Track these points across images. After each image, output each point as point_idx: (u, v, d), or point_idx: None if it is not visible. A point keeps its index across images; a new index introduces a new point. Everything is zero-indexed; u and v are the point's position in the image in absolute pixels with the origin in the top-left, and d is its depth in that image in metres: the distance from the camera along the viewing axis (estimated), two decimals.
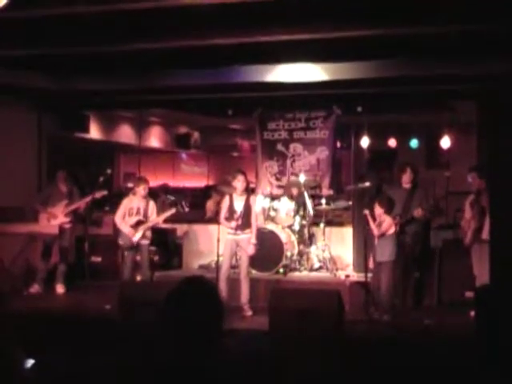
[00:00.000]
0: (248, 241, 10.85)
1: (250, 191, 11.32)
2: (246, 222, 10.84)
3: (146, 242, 11.61)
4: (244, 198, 10.90)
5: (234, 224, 10.75)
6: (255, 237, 10.90)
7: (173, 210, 11.96)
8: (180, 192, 19.77)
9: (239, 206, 10.85)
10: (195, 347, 2.92)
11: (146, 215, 11.56)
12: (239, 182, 10.79)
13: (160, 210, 12.06)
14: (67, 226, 12.33)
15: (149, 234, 11.65)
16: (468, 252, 10.62)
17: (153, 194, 14.69)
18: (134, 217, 11.53)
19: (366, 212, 10.43)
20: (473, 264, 10.53)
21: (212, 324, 2.99)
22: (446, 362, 7.13)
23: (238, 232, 10.84)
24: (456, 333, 9.33)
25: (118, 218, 11.64)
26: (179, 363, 2.89)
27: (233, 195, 10.91)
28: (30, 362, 3.65)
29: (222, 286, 10.50)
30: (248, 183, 11.21)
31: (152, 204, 11.73)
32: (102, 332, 8.43)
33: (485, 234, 10.20)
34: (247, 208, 10.86)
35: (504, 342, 7.23)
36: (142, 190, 11.60)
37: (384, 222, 10.30)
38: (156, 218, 11.66)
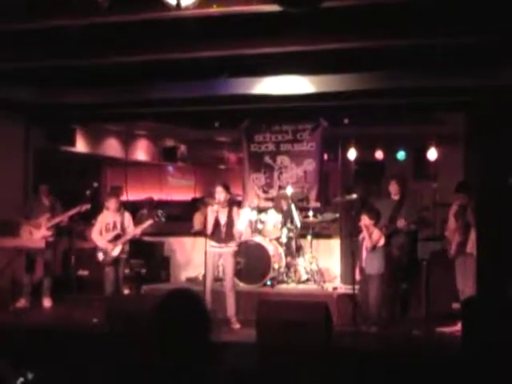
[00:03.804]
0: (231, 254, 10.84)
1: (232, 203, 11.24)
2: (229, 234, 10.82)
3: (124, 255, 11.61)
4: (226, 210, 10.87)
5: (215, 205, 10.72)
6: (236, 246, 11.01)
7: (150, 222, 11.90)
8: (166, 205, 19.75)
9: (222, 218, 10.82)
10: (183, 357, 2.92)
11: (123, 228, 11.55)
12: (217, 194, 10.74)
13: (138, 223, 12.06)
14: (50, 239, 12.27)
15: (126, 247, 11.64)
16: (453, 264, 10.63)
17: (137, 207, 14.70)
18: (111, 232, 11.52)
19: (365, 223, 10.39)
20: (456, 277, 10.53)
21: (199, 334, 2.99)
22: (433, 373, 7.13)
23: (222, 245, 10.80)
24: (443, 344, 9.35)
25: (95, 234, 11.63)
26: (167, 372, 2.89)
27: (214, 207, 10.85)
28: (20, 380, 3.62)
29: (208, 299, 10.45)
30: (230, 195, 11.15)
31: (127, 216, 11.72)
32: (91, 345, 8.39)
33: (469, 248, 10.21)
34: (230, 220, 10.83)
35: (490, 353, 7.24)
36: (112, 204, 11.61)
37: (373, 234, 10.33)
38: (133, 231, 11.64)
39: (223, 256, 10.87)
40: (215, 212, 10.76)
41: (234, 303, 10.75)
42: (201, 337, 2.99)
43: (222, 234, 10.76)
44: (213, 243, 10.80)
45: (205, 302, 3.17)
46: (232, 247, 10.85)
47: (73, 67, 10.58)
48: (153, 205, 15.75)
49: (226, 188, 10.85)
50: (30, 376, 3.59)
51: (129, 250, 11.74)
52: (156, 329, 2.98)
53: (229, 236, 10.80)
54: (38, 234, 12.14)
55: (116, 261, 11.48)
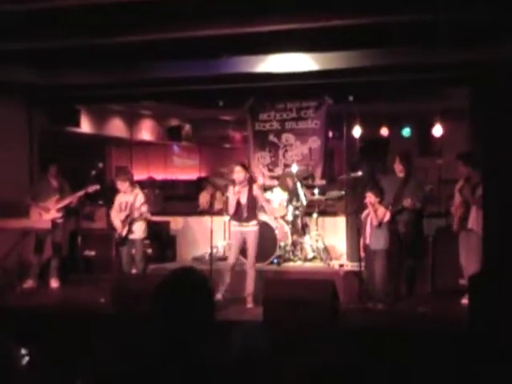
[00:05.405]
0: (255, 232, 10.74)
1: (251, 181, 11.09)
2: (251, 213, 10.71)
3: (136, 236, 11.58)
4: (246, 189, 10.73)
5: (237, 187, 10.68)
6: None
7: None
8: (172, 185, 19.77)
9: (243, 197, 10.70)
10: (184, 337, 2.92)
11: (131, 209, 11.51)
12: (236, 174, 10.63)
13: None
14: (59, 220, 12.27)
15: (138, 228, 11.61)
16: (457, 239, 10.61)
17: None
18: (123, 212, 11.53)
19: (371, 201, 10.35)
20: (460, 253, 10.50)
21: (201, 314, 2.99)
22: (440, 350, 7.14)
23: (244, 224, 10.71)
24: (450, 320, 9.35)
25: (112, 213, 11.69)
26: (168, 353, 2.89)
27: (235, 188, 10.70)
28: (26, 358, 3.62)
29: (226, 277, 10.48)
30: (250, 173, 11.09)
31: (140, 197, 11.61)
32: (98, 325, 8.42)
33: (470, 224, 10.18)
34: (251, 199, 10.73)
35: (496, 329, 7.23)
36: (119, 185, 11.58)
37: (378, 211, 10.31)
38: (138, 209, 11.57)
39: (246, 235, 10.73)
40: (237, 193, 10.69)
41: (253, 281, 10.64)
42: (204, 315, 2.99)
43: (243, 213, 10.65)
44: (235, 223, 10.78)
45: (209, 281, 3.16)
46: (255, 226, 10.79)
47: (75, 48, 10.53)
48: (155, 184, 15.74)
49: (245, 167, 10.77)
50: (23, 352, 3.60)
51: (144, 232, 11.74)
52: (157, 307, 2.98)
53: (251, 215, 10.71)
54: (47, 216, 12.14)
55: (125, 241, 11.47)
